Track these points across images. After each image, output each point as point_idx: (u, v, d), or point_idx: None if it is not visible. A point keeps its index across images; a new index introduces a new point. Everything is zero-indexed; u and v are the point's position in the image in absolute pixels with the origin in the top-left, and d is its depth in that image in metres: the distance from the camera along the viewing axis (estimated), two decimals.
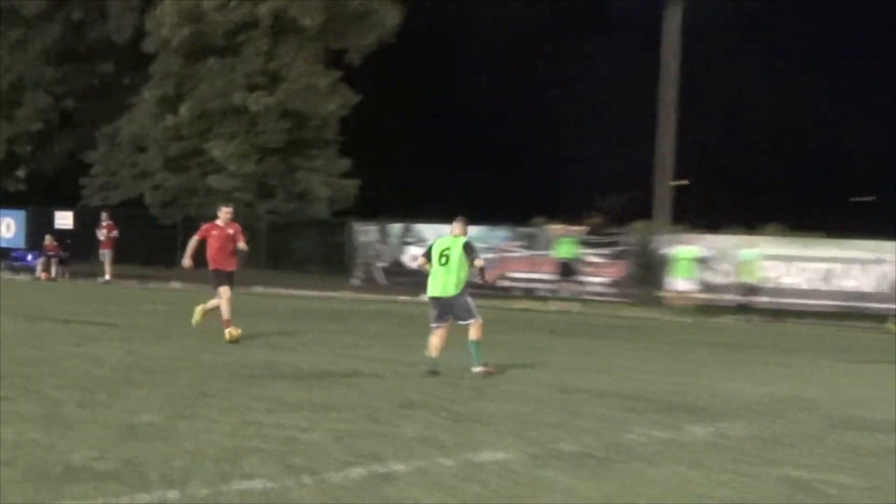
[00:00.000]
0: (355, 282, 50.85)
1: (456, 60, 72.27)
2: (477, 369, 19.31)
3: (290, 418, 13.86)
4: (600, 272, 48.24)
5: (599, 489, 10.88)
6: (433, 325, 19.96)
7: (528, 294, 46.80)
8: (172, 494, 9.78)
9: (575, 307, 43.50)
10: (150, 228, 58.08)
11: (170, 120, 59.51)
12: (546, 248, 47.20)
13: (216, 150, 58.54)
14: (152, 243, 56.53)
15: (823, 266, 45.31)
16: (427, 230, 50.67)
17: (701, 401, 18.00)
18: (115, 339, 23.85)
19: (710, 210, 52.73)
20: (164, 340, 23.97)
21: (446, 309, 19.84)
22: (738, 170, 77.28)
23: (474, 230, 49.72)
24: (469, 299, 20.02)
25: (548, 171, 74.30)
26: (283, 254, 59.60)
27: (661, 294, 43.62)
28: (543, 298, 45.72)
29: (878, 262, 44.75)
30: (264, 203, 59.87)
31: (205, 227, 25.39)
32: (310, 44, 59.66)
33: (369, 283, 50.73)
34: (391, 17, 60.79)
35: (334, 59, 61.11)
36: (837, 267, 45.20)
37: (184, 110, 59.09)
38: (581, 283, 46.94)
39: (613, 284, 47.47)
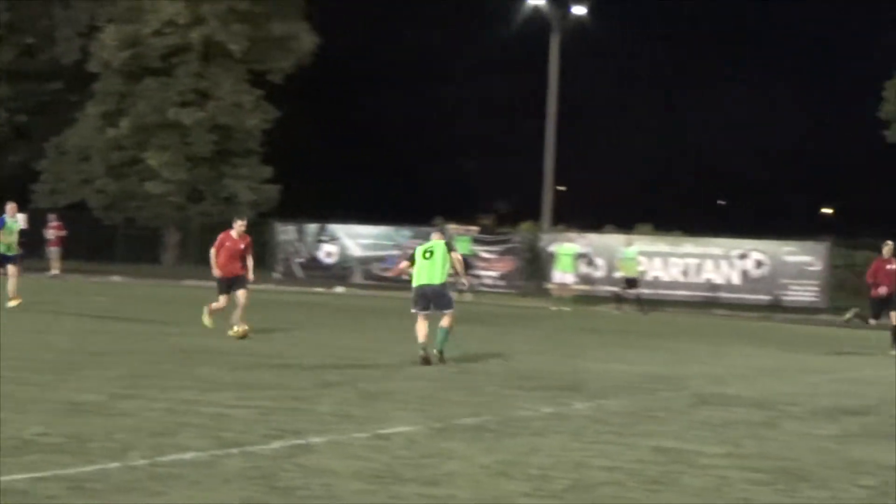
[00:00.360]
0: (276, 275, 50.72)
1: (365, 80, 72.59)
2: (436, 352, 19.21)
3: (219, 397, 13.78)
4: (492, 267, 48.41)
5: (494, 457, 10.88)
6: (414, 310, 19.79)
7: None
8: (114, 465, 9.69)
9: (470, 298, 43.53)
10: (93, 228, 57.87)
11: (111, 132, 59.47)
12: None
13: (152, 159, 58.70)
14: (95, 241, 56.26)
15: (686, 261, 45.64)
16: (339, 230, 50.82)
17: (582, 379, 18.07)
18: (63, 326, 23.64)
19: (588, 212, 53.11)
20: (106, 328, 23.77)
21: (430, 297, 19.73)
22: (614, 177, 77.82)
23: (382, 230, 50.09)
24: (450, 293, 19.97)
25: (446, 177, 74.60)
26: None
27: (546, 286, 43.74)
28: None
29: (731, 257, 45.12)
30: (195, 206, 60.04)
31: (221, 237, 24.35)
32: (236, 66, 59.75)
33: (289, 277, 50.73)
34: (307, 43, 61.15)
35: (257, 80, 61.24)
36: (698, 262, 45.55)
37: (123, 124, 59.09)
38: (476, 276, 47.03)
39: (504, 278, 47.63)
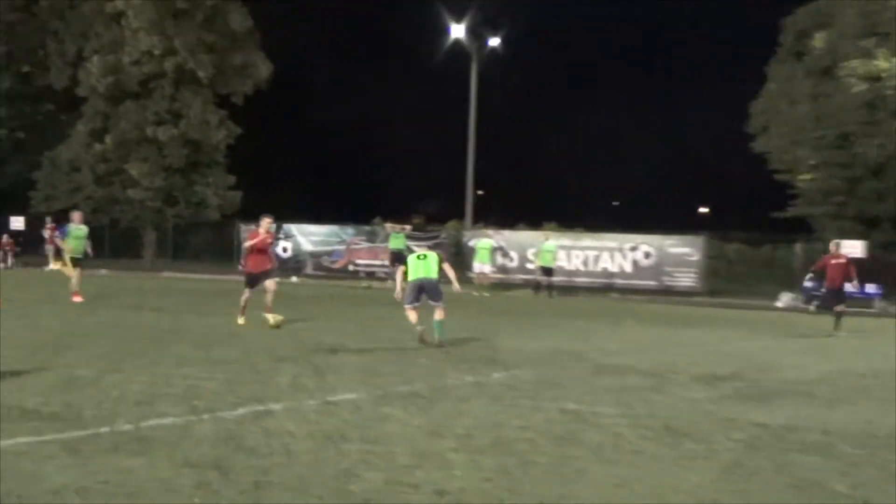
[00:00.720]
0: (240, 268, 50.53)
1: (313, 100, 72.41)
2: (436, 343, 19.07)
3: (192, 371, 13.73)
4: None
5: (425, 420, 10.93)
6: (407, 304, 19.65)
7: (370, 276, 46.76)
8: (103, 430, 9.70)
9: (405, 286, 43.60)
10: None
11: (97, 147, 59.34)
12: (383, 241, 47.26)
13: (133, 169, 58.58)
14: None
15: (586, 253, 45.80)
16: (294, 228, 50.67)
17: (500, 353, 18.10)
18: (57, 312, 23.43)
19: (503, 212, 53.28)
20: (94, 313, 23.58)
21: (425, 288, 19.59)
22: (526, 181, 78.14)
23: (329, 229, 50.04)
24: (441, 288, 19.88)
25: (384, 182, 74.49)
26: (185, 247, 59.99)
27: (469, 275, 43.76)
28: (382, 279, 45.69)
29: (624, 249, 45.33)
30: (170, 209, 59.98)
31: (249, 234, 23.62)
32: (203, 90, 59.60)
33: None
34: (264, 70, 61.14)
35: (222, 101, 61.13)
36: (596, 254, 45.72)
37: (108, 140, 58.92)
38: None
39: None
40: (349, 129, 78.01)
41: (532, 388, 13.60)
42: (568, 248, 45.38)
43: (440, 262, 19.95)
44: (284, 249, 50.56)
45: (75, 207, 57.69)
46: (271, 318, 21.54)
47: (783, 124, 46.93)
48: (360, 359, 16.40)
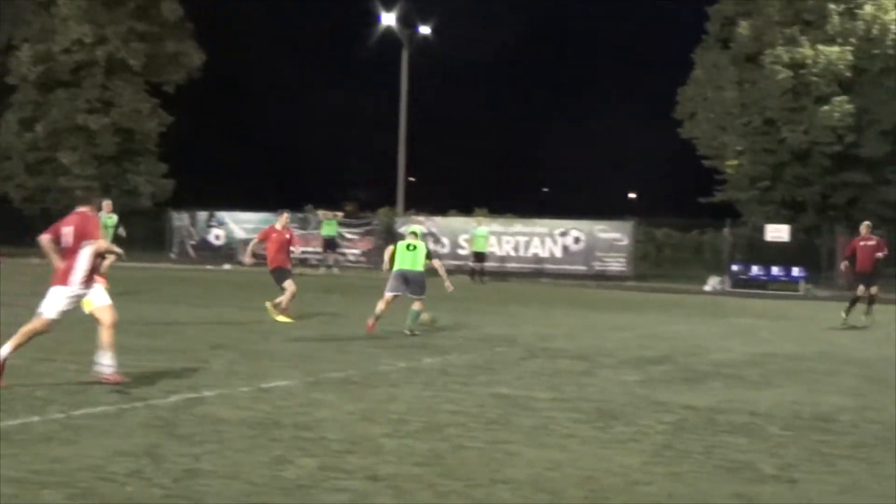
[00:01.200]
0: (172, 256, 50.30)
1: (244, 89, 71.94)
2: (408, 331, 19.00)
3: (126, 359, 13.54)
4: (355, 245, 48.46)
5: (358, 405, 10.90)
6: (388, 292, 19.48)
7: (303, 263, 46.61)
8: (35, 419, 9.58)
9: (337, 272, 43.64)
10: (14, 218, 57.06)
11: (28, 136, 58.64)
12: (315, 228, 47.22)
13: (65, 158, 57.95)
14: (16, 229, 55.39)
15: (517, 238, 45.97)
16: (226, 216, 50.56)
17: (432, 338, 18.13)
18: None
19: (435, 198, 53.33)
20: (27, 302, 23.25)
21: (407, 281, 19.42)
22: (457, 169, 78.20)
23: (262, 216, 49.81)
24: (424, 281, 19.72)
25: (316, 170, 74.21)
26: (118, 236, 59.43)
27: None
28: (315, 266, 45.65)
29: (554, 235, 45.53)
30: (103, 198, 59.37)
31: (266, 230, 22.60)
32: (135, 78, 59.09)
33: (183, 257, 50.27)
34: (196, 59, 60.76)
35: (154, 90, 60.64)
36: (527, 239, 45.90)
37: (39, 129, 58.22)
38: (341, 254, 47.14)
39: (365, 255, 47.58)
40: (282, 118, 77.85)
41: (464, 373, 13.61)
42: (499, 234, 45.51)
43: (428, 255, 19.84)
44: (217, 237, 50.43)
45: (5, 196, 57.33)
46: (279, 315, 20.66)
47: (710, 111, 47.32)
48: (293, 346, 16.35)
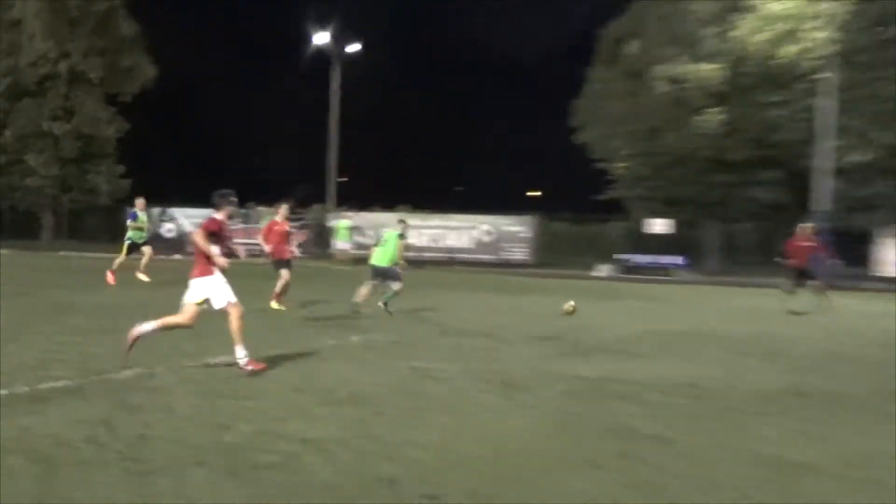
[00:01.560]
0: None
1: (195, 98, 71.21)
2: (381, 303, 19.24)
3: (84, 339, 13.47)
4: (292, 238, 48.31)
5: (293, 378, 10.89)
6: (368, 280, 19.56)
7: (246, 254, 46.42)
8: (3, 392, 9.46)
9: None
10: None
11: None
12: (256, 222, 47.03)
13: (31, 160, 57.22)
14: None
15: (434, 231, 46.06)
16: (177, 212, 50.17)
17: (357, 319, 18.12)
18: None
19: (363, 196, 53.22)
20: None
21: (379, 273, 19.52)
22: (383, 170, 78.14)
23: (209, 212, 49.37)
24: (398, 269, 19.64)
25: (257, 169, 73.64)
26: (80, 230, 59.12)
27: (331, 251, 43.67)
28: (256, 256, 45.30)
29: (467, 228, 45.69)
30: (66, 195, 58.93)
31: (269, 223, 21.90)
32: (95, 89, 58.44)
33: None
34: (149, 72, 60.31)
35: (112, 99, 60.00)
36: (442, 232, 46.01)
37: (7, 134, 57.45)
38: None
39: (300, 246, 47.43)
40: (227, 124, 77.23)
41: (385, 349, 13.62)
42: (418, 228, 45.52)
43: (396, 246, 19.89)
44: (168, 230, 50.02)
45: None
46: (275, 303, 20.28)
47: (601, 120, 47.63)
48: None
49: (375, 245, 20.31)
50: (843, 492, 6.95)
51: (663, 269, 41.19)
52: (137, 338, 11.45)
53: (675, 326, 19.31)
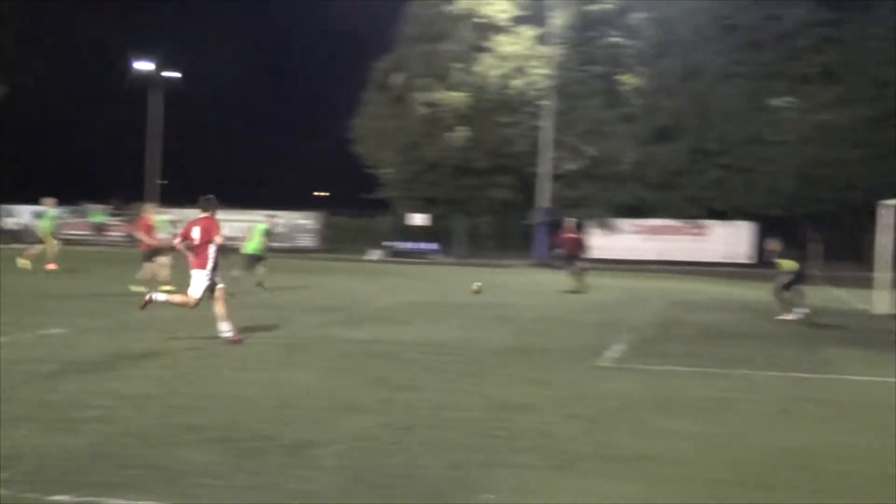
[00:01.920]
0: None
1: (41, 111, 66.90)
2: (257, 284, 19.86)
3: None
4: (120, 230, 46.67)
5: (112, 345, 10.61)
6: (239, 269, 19.86)
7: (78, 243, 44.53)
8: None
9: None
10: None
11: None
12: (86, 217, 45.45)
13: None
14: None
15: (240, 224, 45.33)
16: (20, 210, 47.65)
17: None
18: None
19: (183, 196, 51.87)
20: None
21: (251, 259, 20.44)
22: (202, 173, 76.02)
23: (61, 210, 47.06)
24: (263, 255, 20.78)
25: (89, 173, 70.03)
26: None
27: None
28: (93, 244, 43.65)
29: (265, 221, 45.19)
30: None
31: (140, 218, 20.65)
32: None
33: None
34: (1, 91, 56.54)
35: None
36: (246, 225, 45.38)
37: None
38: (106, 236, 45.56)
39: (128, 237, 46.00)
40: (64, 130, 73.27)
41: (195, 320, 13.31)
42: (229, 221, 44.60)
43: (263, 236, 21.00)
44: (16, 223, 47.69)
45: None
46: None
47: (373, 134, 47.84)
48: (66, 303, 15.68)
49: (246, 237, 20.73)
50: (555, 424, 7.23)
51: (422, 254, 41.75)
52: (150, 302, 11.47)
53: (429, 298, 19.67)
